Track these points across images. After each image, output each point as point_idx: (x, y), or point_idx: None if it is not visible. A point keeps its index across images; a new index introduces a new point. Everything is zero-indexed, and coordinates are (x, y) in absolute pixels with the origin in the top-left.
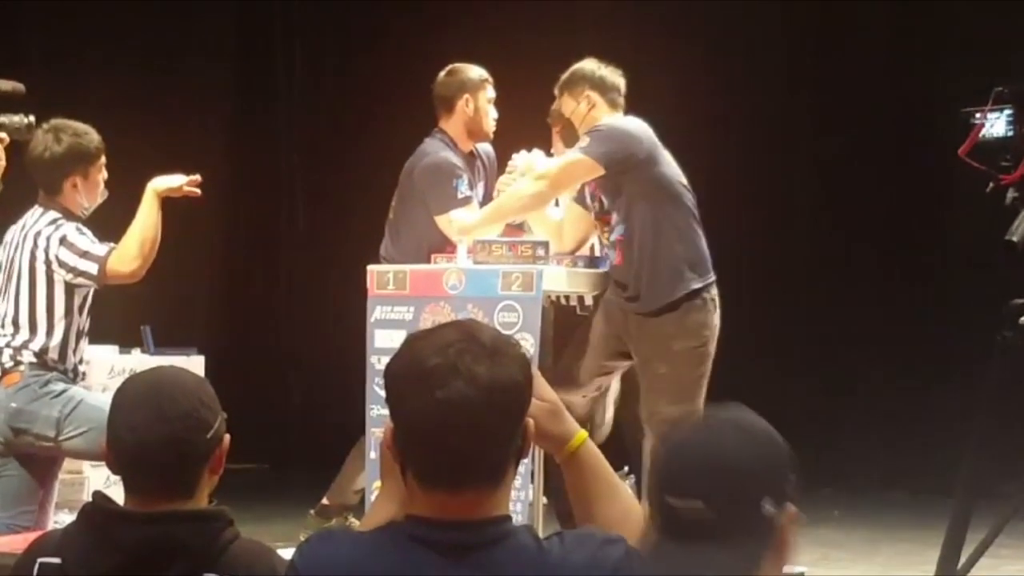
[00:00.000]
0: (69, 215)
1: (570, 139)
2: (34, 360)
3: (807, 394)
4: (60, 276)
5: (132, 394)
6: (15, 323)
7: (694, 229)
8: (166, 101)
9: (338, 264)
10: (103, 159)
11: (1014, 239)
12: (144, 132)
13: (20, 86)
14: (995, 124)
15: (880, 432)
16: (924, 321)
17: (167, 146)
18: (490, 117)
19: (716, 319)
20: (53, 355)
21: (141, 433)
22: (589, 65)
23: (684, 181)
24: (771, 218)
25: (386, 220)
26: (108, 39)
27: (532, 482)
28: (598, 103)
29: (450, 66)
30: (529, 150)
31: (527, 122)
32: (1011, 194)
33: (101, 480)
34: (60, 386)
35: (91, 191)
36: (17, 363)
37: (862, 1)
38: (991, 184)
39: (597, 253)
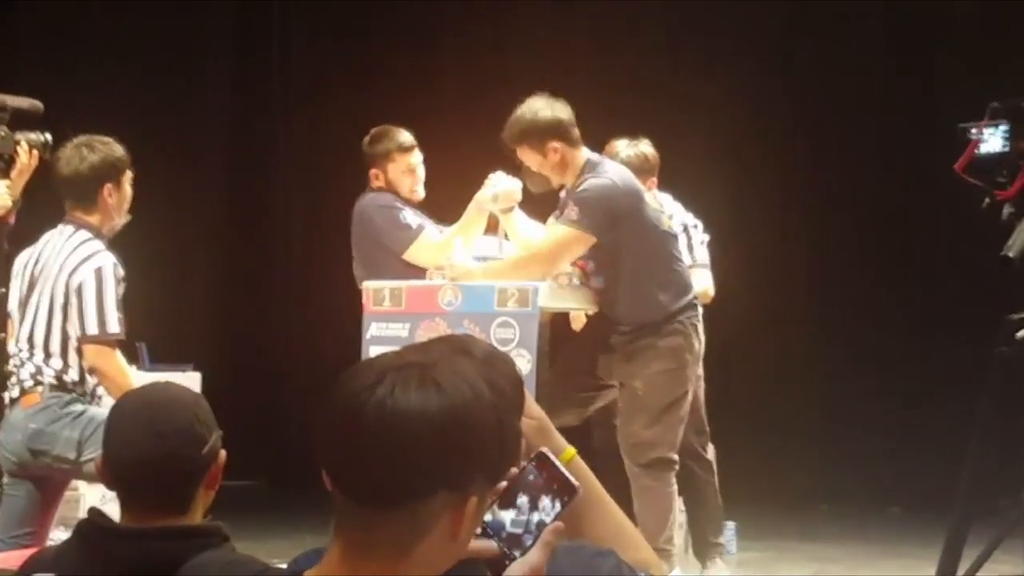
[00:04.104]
0: (98, 233)
1: (540, 183)
2: (54, 382)
3: (804, 411)
4: (73, 306)
5: (128, 410)
6: (31, 342)
7: (676, 271)
8: (163, 119)
9: (335, 280)
10: (130, 172)
11: (1010, 254)
12: (140, 149)
13: (38, 104)
14: (991, 140)
15: (876, 448)
16: (921, 337)
17: (164, 164)
18: (405, 187)
19: (697, 343)
20: (73, 377)
21: (137, 448)
22: (543, 112)
23: (664, 225)
24: (767, 238)
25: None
26: (104, 58)
27: None
28: (565, 150)
29: (374, 130)
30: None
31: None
32: (1007, 210)
33: (96, 497)
34: (80, 407)
35: (122, 201)
36: (37, 383)
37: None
38: (987, 200)
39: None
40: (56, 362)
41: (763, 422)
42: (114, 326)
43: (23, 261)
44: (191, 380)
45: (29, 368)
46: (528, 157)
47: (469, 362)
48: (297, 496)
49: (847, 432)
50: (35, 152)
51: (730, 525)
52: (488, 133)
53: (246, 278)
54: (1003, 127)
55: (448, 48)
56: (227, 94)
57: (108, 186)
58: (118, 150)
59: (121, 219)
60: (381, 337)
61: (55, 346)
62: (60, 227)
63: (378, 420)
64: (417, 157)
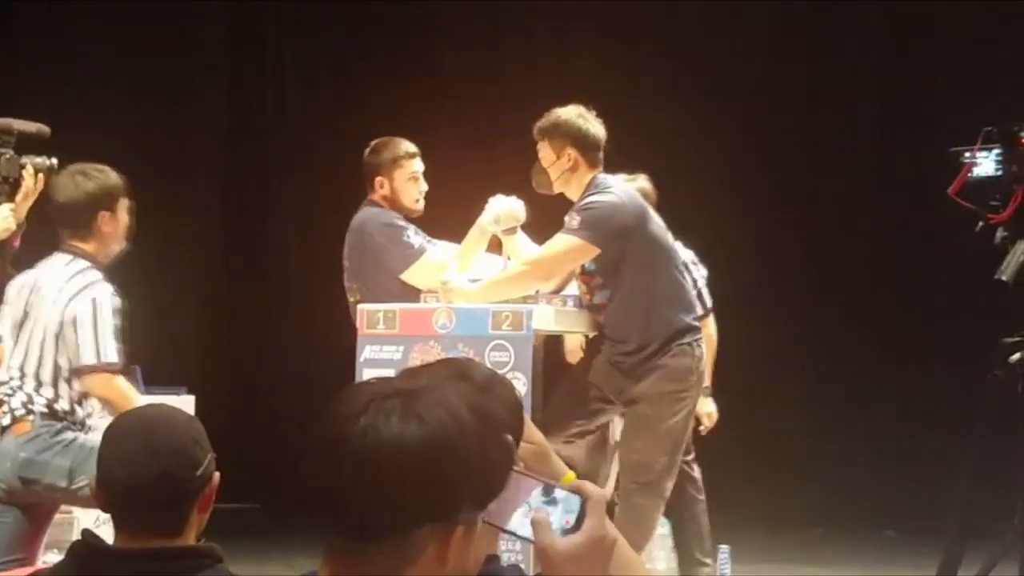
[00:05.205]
0: (94, 262)
1: (544, 183)
2: (45, 410)
3: (799, 434)
4: (68, 336)
5: (123, 430)
6: (22, 371)
7: (681, 286)
8: (158, 143)
9: (329, 302)
10: (125, 200)
11: (1004, 278)
12: (134, 172)
13: (45, 128)
14: (984, 164)
15: (871, 472)
16: (915, 360)
17: (158, 187)
18: (411, 195)
19: (701, 366)
20: (63, 406)
21: (132, 468)
22: (574, 118)
23: (669, 240)
24: (763, 258)
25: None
26: (100, 84)
27: None
28: (579, 163)
29: (376, 141)
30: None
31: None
32: (1000, 233)
33: (91, 521)
34: (71, 435)
35: (118, 229)
36: (28, 412)
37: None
38: (980, 223)
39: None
40: (47, 391)
41: (758, 445)
42: (111, 355)
43: (17, 287)
44: (185, 403)
45: (20, 397)
46: (544, 153)
47: (457, 389)
48: (291, 520)
49: (842, 456)
50: (40, 176)
51: (724, 548)
52: (485, 159)
53: (240, 301)
54: (996, 151)
55: (446, 75)
56: (223, 117)
57: (103, 213)
58: (113, 177)
59: (118, 247)
60: (375, 360)
61: (46, 375)
62: (56, 255)
63: (360, 452)
64: (421, 165)
